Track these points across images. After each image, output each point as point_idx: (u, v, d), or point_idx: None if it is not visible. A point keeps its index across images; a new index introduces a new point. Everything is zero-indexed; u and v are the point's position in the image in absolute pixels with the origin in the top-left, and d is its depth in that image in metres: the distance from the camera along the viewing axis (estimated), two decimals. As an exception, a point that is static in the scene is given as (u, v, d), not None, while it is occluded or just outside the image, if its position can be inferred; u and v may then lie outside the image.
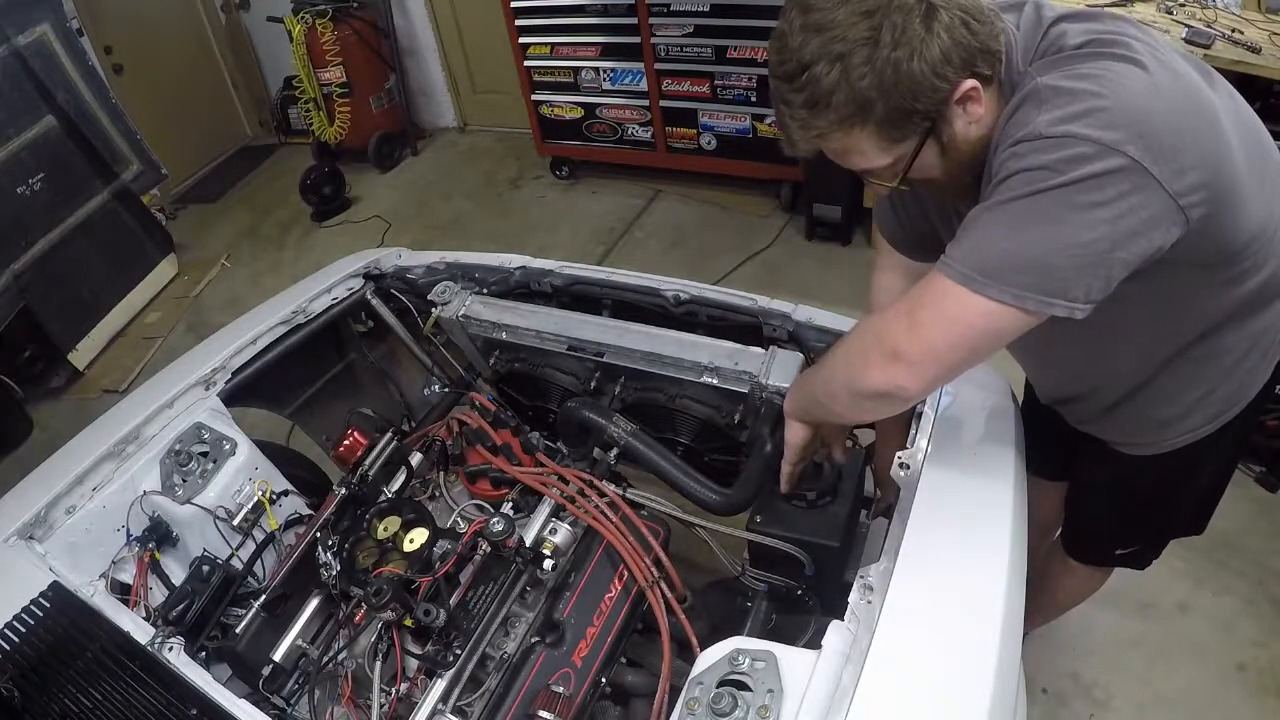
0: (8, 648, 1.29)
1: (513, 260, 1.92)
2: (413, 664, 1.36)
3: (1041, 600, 1.82)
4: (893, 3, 0.91)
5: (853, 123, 0.95)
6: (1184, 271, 1.03)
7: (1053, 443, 1.48)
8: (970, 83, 0.95)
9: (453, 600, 1.34)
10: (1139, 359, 1.21)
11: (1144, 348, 1.19)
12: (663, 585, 1.42)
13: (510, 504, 1.62)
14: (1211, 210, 0.94)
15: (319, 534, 1.53)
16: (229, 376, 1.76)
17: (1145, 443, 1.32)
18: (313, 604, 1.48)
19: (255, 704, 1.19)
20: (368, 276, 2.04)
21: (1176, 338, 1.16)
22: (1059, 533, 1.67)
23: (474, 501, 1.67)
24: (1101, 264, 0.91)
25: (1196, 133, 0.92)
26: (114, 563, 1.52)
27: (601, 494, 1.52)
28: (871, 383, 1.06)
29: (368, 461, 1.66)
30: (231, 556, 1.56)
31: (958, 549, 1.19)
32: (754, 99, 3.79)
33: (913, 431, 1.35)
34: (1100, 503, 1.52)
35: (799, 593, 1.46)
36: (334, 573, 1.44)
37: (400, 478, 1.69)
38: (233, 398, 1.76)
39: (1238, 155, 0.97)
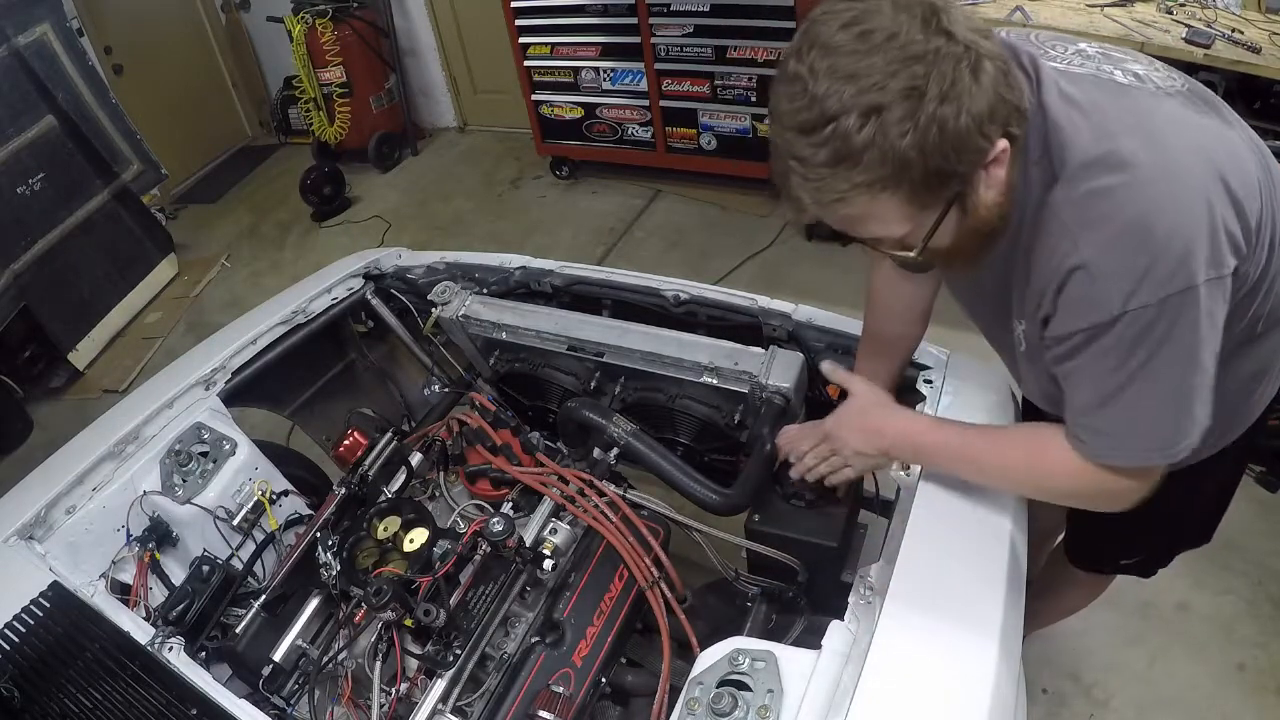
0: (8, 648, 1.29)
1: (513, 260, 1.92)
2: (413, 664, 1.36)
3: (1042, 606, 1.80)
4: (940, 50, 0.79)
5: (883, 186, 0.83)
6: None
7: None
8: (1004, 144, 0.85)
9: (453, 600, 1.34)
10: None
11: None
12: (662, 585, 1.42)
13: (510, 504, 1.62)
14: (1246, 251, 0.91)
15: (319, 534, 1.52)
16: (229, 376, 1.76)
17: None
18: (313, 604, 1.48)
19: (255, 704, 1.20)
20: (368, 276, 2.04)
21: None
22: (1060, 539, 1.66)
23: (474, 501, 1.67)
24: (1208, 379, 0.92)
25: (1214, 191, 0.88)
26: (114, 563, 1.52)
27: (601, 494, 1.52)
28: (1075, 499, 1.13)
29: (368, 461, 1.66)
30: (231, 556, 1.56)
31: (958, 549, 1.19)
32: (754, 99, 3.78)
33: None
34: (1102, 513, 1.50)
35: (789, 595, 1.46)
36: (334, 573, 1.44)
37: (400, 478, 1.69)
38: (233, 398, 1.76)
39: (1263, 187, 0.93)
